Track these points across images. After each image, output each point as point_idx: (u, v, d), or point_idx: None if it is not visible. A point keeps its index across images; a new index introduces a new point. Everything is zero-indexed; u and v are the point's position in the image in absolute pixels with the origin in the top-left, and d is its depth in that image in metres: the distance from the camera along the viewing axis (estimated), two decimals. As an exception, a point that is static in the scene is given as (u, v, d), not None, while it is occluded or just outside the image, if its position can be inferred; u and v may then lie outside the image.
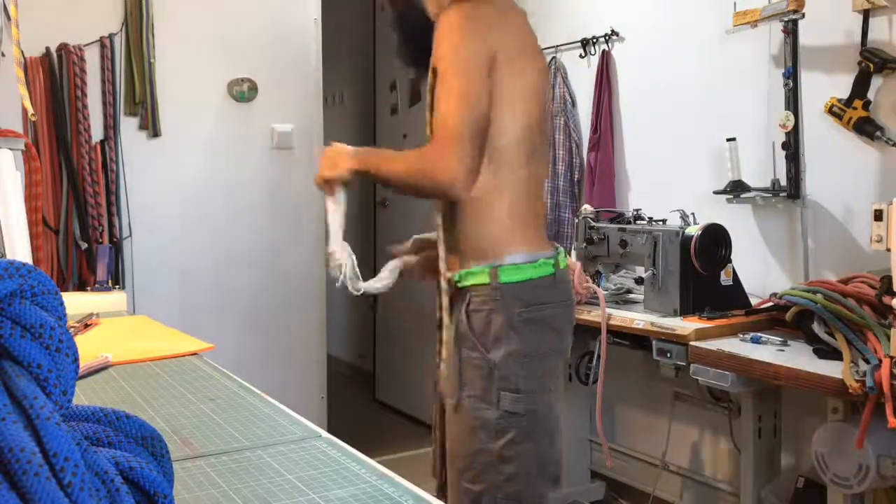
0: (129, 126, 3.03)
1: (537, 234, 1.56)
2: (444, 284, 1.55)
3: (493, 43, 1.47)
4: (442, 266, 1.55)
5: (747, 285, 2.30)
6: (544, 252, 1.53)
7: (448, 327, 1.54)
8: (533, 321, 1.49)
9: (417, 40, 1.60)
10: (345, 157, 1.56)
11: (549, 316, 1.51)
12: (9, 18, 1.80)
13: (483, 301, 1.47)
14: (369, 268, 1.70)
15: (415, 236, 1.72)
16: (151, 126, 3.05)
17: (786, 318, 1.98)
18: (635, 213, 2.52)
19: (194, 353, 1.48)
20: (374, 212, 4.55)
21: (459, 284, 1.51)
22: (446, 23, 1.49)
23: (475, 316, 1.48)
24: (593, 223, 2.52)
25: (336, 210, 1.59)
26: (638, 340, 2.25)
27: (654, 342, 2.15)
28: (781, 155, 2.37)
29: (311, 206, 3.37)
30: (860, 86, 2.20)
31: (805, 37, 2.33)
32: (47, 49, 2.83)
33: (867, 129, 2.19)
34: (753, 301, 2.28)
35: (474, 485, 1.47)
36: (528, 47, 1.56)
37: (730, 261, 2.26)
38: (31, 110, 1.88)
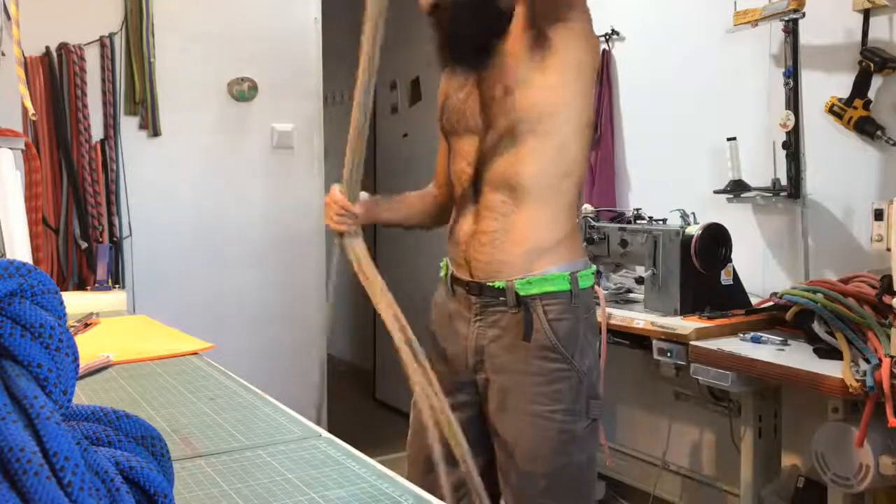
0: (129, 126, 3.02)
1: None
2: (471, 297, 1.46)
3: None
4: (473, 271, 1.45)
5: (747, 285, 2.30)
6: (585, 254, 1.53)
7: (479, 338, 1.46)
8: (594, 326, 1.49)
9: (483, 25, 1.45)
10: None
11: (595, 320, 1.51)
12: (9, 18, 1.79)
13: (563, 309, 1.40)
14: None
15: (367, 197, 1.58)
16: (151, 126, 3.05)
17: (786, 318, 1.98)
18: (635, 212, 2.52)
19: (194, 353, 1.48)
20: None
21: (523, 292, 1.40)
22: None
23: (558, 325, 1.40)
24: (593, 223, 2.52)
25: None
26: (638, 340, 2.25)
27: (654, 342, 2.15)
28: (782, 154, 2.37)
29: (312, 205, 3.37)
30: (861, 85, 2.20)
31: (805, 36, 2.33)
32: (47, 48, 2.83)
33: (868, 128, 2.19)
34: (754, 300, 2.27)
35: (560, 500, 1.41)
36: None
37: (730, 260, 2.26)
38: (31, 110, 1.88)
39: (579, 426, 1.41)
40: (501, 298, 1.42)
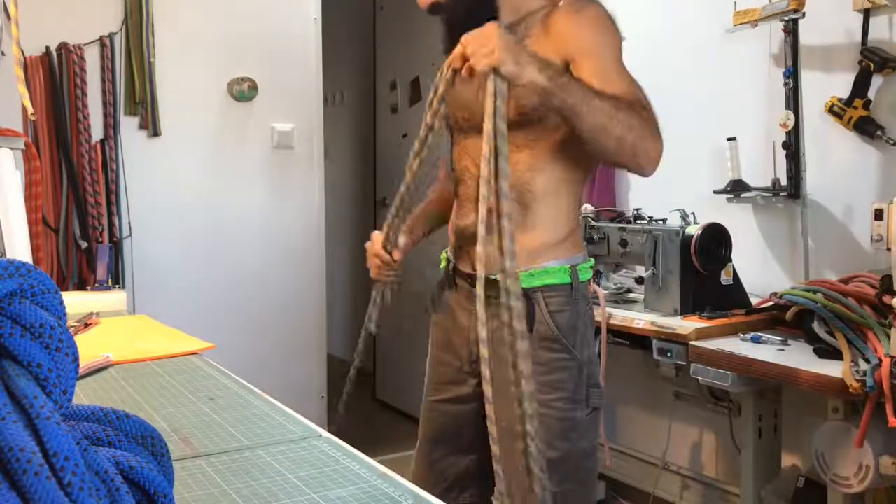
0: (129, 126, 3.02)
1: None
2: (479, 291, 1.40)
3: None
4: (485, 267, 1.40)
5: (747, 285, 2.30)
6: (585, 249, 1.55)
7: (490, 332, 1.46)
8: (591, 318, 1.52)
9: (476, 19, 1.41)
10: (526, 56, 1.25)
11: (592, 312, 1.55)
12: (9, 18, 1.79)
13: (563, 301, 1.44)
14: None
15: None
16: (151, 126, 3.05)
17: (786, 318, 1.98)
18: (635, 212, 2.52)
19: (194, 353, 1.48)
20: (374, 211, 4.55)
21: (525, 285, 1.41)
22: (594, 15, 1.41)
23: (559, 317, 1.44)
24: (594, 222, 2.52)
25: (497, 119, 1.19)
26: (638, 340, 2.25)
27: (654, 342, 2.15)
28: (782, 154, 2.37)
29: (311, 204, 3.37)
30: (860, 85, 2.20)
31: (805, 36, 2.33)
32: (47, 48, 2.82)
33: (868, 128, 2.19)
34: (754, 300, 2.27)
35: (562, 485, 1.43)
36: None
37: (730, 260, 2.26)
38: (30, 110, 1.88)
39: (580, 414, 1.45)
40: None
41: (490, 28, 1.26)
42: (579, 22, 1.40)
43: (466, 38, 1.27)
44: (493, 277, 1.41)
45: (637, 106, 1.31)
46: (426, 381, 1.66)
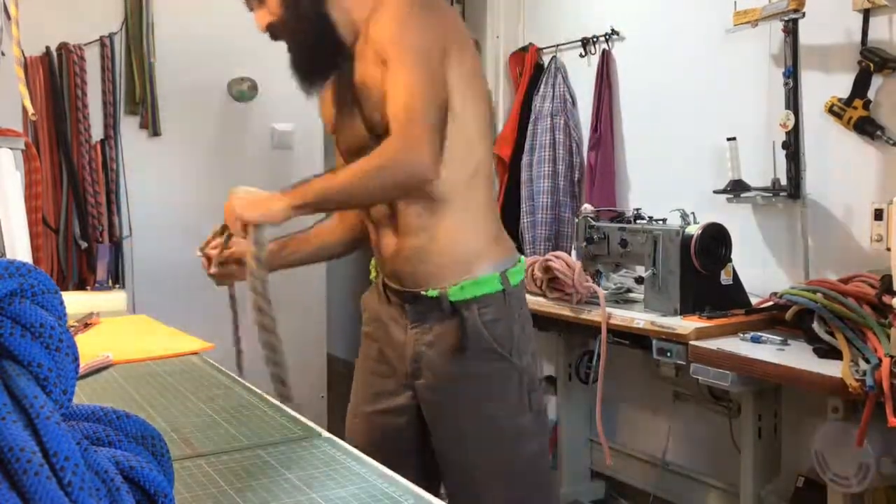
0: (129, 126, 3.03)
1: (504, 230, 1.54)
2: (405, 304, 1.46)
3: (446, 29, 1.38)
4: (418, 285, 1.44)
5: (747, 284, 2.30)
6: (514, 250, 1.51)
7: (416, 345, 1.45)
8: (528, 319, 1.49)
9: (326, 51, 1.44)
10: (273, 197, 1.38)
11: (528, 311, 1.52)
12: (9, 18, 1.80)
13: (497, 309, 1.41)
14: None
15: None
16: (151, 125, 3.05)
17: (786, 318, 1.98)
18: (635, 212, 2.52)
19: (194, 353, 1.48)
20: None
21: (455, 298, 1.39)
22: (394, 7, 1.37)
23: (495, 326, 1.40)
24: (593, 222, 2.52)
25: (258, 268, 1.44)
26: (638, 340, 2.25)
27: (654, 341, 2.15)
28: (782, 154, 2.37)
29: (311, 205, 3.37)
30: (860, 85, 2.20)
31: (805, 36, 2.33)
32: (47, 48, 2.83)
33: (867, 128, 2.19)
34: (753, 300, 2.27)
35: (520, 492, 1.43)
36: (469, 41, 1.46)
37: (730, 260, 2.26)
38: (31, 110, 1.88)
39: (524, 420, 1.43)
40: (436, 305, 1.42)
41: (247, 194, 1.43)
42: (384, 22, 1.36)
43: (232, 202, 1.43)
44: (425, 293, 1.42)
45: (387, 151, 1.31)
46: (356, 392, 1.61)
